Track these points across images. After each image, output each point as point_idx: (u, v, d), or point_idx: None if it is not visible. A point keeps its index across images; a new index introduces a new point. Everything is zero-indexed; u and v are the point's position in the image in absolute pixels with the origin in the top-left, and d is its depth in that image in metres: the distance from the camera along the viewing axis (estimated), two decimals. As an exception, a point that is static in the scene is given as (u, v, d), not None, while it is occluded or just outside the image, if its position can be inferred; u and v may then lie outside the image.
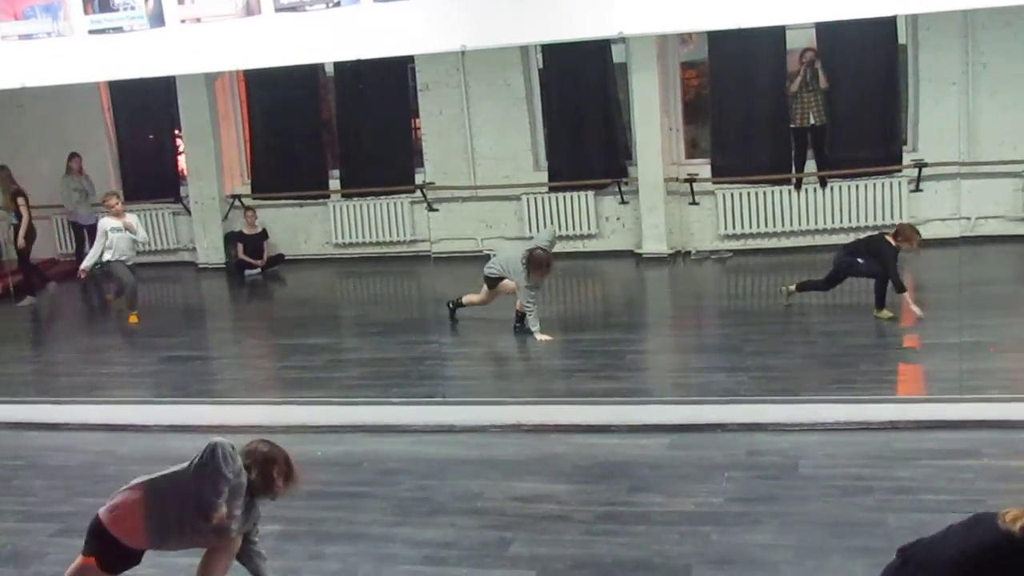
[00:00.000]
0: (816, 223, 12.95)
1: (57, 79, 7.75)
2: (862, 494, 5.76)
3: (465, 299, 10.21)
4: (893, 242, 9.34)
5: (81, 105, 14.61)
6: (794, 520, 5.49)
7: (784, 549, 5.16)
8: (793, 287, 9.96)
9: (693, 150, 13.92)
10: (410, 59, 13.48)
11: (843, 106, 12.83)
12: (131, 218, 11.40)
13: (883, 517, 5.43)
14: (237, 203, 14.78)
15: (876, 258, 9.38)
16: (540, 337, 9.36)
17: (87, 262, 11.32)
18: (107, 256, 11.18)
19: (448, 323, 10.19)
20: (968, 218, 12.31)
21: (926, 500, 5.64)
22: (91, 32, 7.50)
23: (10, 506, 6.51)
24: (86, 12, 7.51)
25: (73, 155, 14.32)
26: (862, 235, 12.55)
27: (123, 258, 11.26)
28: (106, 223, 11.24)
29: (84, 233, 14.50)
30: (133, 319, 11.39)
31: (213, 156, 14.66)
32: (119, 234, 11.18)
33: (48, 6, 7.57)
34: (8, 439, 7.93)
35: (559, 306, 10.13)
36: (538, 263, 9.41)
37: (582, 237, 13.72)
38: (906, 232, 9.38)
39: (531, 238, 13.54)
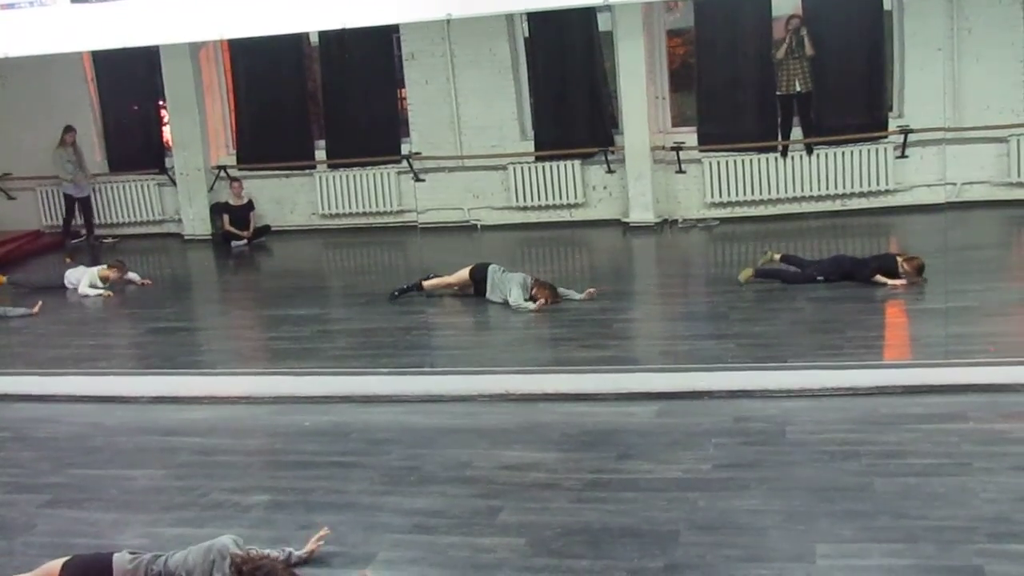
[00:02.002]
0: (802, 190, 12.97)
1: (40, 49, 7.69)
2: (849, 459, 5.79)
3: (434, 282, 10.18)
4: (901, 263, 9.24)
5: (65, 76, 14.52)
6: (781, 485, 5.52)
7: (771, 514, 5.19)
8: (778, 256, 9.99)
9: (679, 118, 13.90)
10: (395, 28, 13.42)
11: (829, 73, 12.83)
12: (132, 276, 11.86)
13: (870, 481, 5.47)
14: (223, 174, 14.71)
15: (879, 270, 9.34)
16: (531, 307, 9.39)
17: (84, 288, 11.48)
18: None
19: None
20: (954, 183, 12.35)
21: (913, 464, 5.68)
22: (73, 1, 7.42)
23: (-2, 478, 6.52)
24: (68, -18, 7.45)
25: (69, 128, 14.38)
26: (849, 203, 12.74)
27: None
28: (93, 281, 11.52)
29: (75, 204, 14.52)
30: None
31: (198, 127, 14.58)
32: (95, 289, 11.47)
33: (29, -24, 7.50)
34: (-5, 411, 7.93)
35: (546, 276, 10.09)
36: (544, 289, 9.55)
37: (569, 206, 13.71)
38: (916, 271, 9.18)
39: (522, 208, 13.65)
